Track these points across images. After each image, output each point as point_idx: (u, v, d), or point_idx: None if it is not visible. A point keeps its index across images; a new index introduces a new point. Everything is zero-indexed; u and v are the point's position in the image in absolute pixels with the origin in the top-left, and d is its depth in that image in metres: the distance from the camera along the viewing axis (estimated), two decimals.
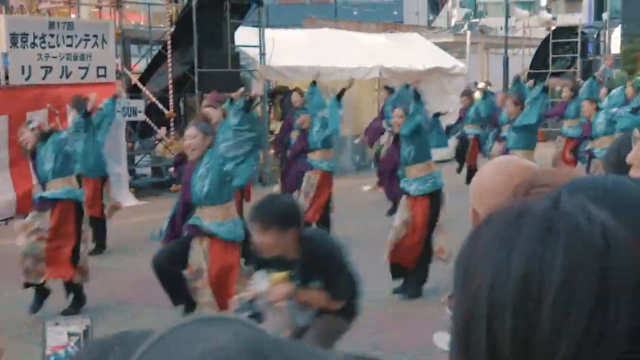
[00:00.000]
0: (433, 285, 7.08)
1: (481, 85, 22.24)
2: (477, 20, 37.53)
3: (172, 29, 14.06)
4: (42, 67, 11.74)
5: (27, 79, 11.56)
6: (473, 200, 2.22)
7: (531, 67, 22.43)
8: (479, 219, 2.11)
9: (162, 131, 14.45)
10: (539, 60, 22.37)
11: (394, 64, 17.24)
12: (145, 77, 14.37)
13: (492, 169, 2.28)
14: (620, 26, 50.04)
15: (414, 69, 17.20)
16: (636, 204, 1.06)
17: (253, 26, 16.08)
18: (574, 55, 21.41)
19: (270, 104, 16.46)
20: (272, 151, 15.25)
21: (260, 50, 14.98)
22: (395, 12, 52.30)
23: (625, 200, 1.05)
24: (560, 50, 21.85)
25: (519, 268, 0.89)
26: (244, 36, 15.30)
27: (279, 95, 15.94)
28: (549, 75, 21.30)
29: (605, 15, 38.07)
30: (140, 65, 16.12)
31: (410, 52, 18.53)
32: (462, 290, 0.94)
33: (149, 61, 15.62)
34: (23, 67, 11.51)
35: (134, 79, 13.69)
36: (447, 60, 19.54)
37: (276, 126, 17.33)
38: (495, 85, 23.90)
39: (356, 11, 45.92)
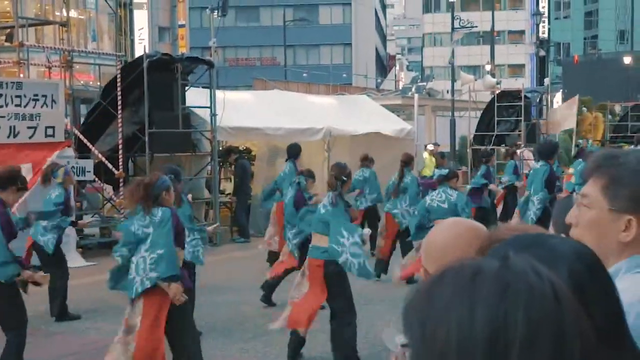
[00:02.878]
0: None
1: (430, 147, 22.66)
2: (424, 83, 38.34)
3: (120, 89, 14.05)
4: None
5: None
6: (424, 259, 2.30)
7: (477, 129, 22.93)
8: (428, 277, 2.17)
9: (110, 191, 14.34)
10: (485, 123, 22.89)
11: (343, 126, 17.48)
12: (91, 136, 14.26)
13: (441, 228, 2.36)
14: (561, 91, 51.56)
15: (361, 132, 17.46)
16: (565, 256, 1.22)
17: (203, 87, 16.19)
18: (517, 118, 21.95)
19: (221, 164, 16.49)
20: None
21: (211, 111, 15.06)
22: (345, 75, 53.11)
23: (557, 254, 1.21)
24: (504, 114, 22.41)
25: (485, 324, 0.96)
26: (195, 97, 15.39)
27: (232, 154, 15.98)
28: (494, 137, 21.79)
29: (547, 81, 39.24)
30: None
31: (359, 114, 18.83)
32: (424, 346, 1.00)
33: (87, 119, 15.42)
34: None
35: (83, 139, 13.61)
36: (395, 122, 19.88)
37: (226, 186, 17.35)
38: (443, 146, 24.38)
39: (306, 73, 46.51)
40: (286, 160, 12.37)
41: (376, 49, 73.09)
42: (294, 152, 12.29)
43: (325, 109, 18.38)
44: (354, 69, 59.78)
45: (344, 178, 6.88)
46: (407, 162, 11.47)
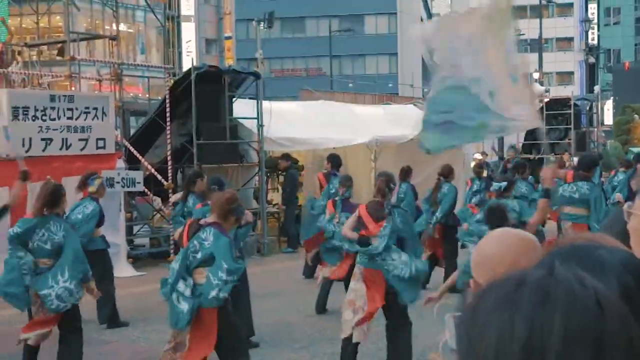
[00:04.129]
0: None
1: (477, 156, 22.47)
2: None
3: (168, 101, 14.24)
4: (42, 140, 11.87)
5: (27, 151, 11.66)
6: (474, 271, 2.29)
7: (526, 138, 22.69)
8: (479, 288, 2.17)
9: (159, 202, 14.53)
10: (534, 132, 22.64)
11: (390, 135, 17.44)
12: (141, 148, 14.48)
13: (490, 239, 2.36)
14: (612, 98, 50.66)
15: (410, 140, 17.39)
16: (613, 267, 1.19)
17: (250, 98, 16.33)
18: (567, 126, 21.68)
19: (268, 174, 16.57)
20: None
21: (258, 121, 15.18)
22: (390, 84, 53.03)
23: (604, 265, 1.19)
24: (554, 122, 22.15)
25: (522, 332, 0.96)
26: (242, 108, 15.52)
27: (284, 161, 15.95)
28: (543, 146, 21.53)
29: (596, 88, 38.69)
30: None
31: (405, 123, 18.76)
32: (468, 355, 1.01)
33: (140, 131, 15.70)
34: (24, 139, 11.64)
35: (133, 150, 13.82)
36: None
37: (273, 197, 17.45)
38: (490, 155, 24.15)
39: (352, 83, 46.54)
40: (326, 170, 12.40)
41: (422, 58, 72.85)
42: (335, 162, 12.29)
43: (371, 118, 18.36)
44: (400, 79, 59.62)
45: (392, 185, 6.91)
46: (445, 174, 11.41)
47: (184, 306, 5.59)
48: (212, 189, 7.25)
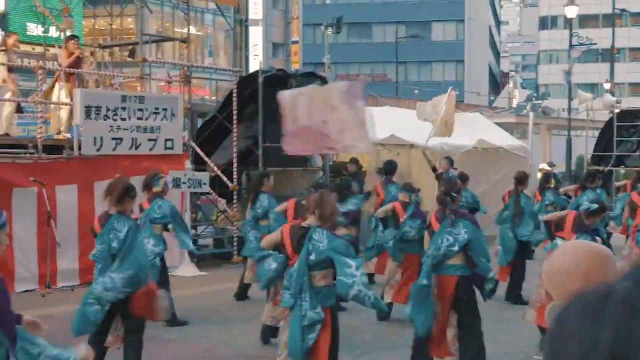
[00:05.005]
0: None
1: (544, 166, 22.12)
2: (540, 101, 37.50)
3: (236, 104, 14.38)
4: (113, 139, 12.13)
5: (98, 150, 11.93)
6: (545, 282, 2.26)
7: (595, 149, 22.23)
8: (551, 301, 2.14)
9: (224, 203, 14.68)
10: (603, 143, 22.16)
11: (455, 143, 17.28)
12: (207, 150, 14.67)
13: (562, 251, 2.32)
14: None
15: (476, 148, 17.24)
16: None
17: None
18: (639, 138, 21.15)
19: (333, 178, 16.56)
20: None
21: None
22: (457, 92, 52.58)
23: None
24: (624, 134, 21.63)
25: (607, 344, 0.95)
26: None
27: (353, 165, 15.92)
28: (613, 157, 21.06)
29: None
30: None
31: (470, 131, 18.58)
32: None
33: (200, 128, 15.89)
34: (95, 138, 11.91)
35: (200, 152, 14.00)
36: (508, 140, 19.52)
37: None
38: (559, 166, 23.76)
39: (417, 90, 46.34)
40: (383, 177, 12.34)
41: (489, 66, 72.06)
42: (389, 168, 12.20)
43: None
44: (466, 86, 59.14)
45: (454, 194, 6.80)
46: (521, 180, 11.04)
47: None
48: (309, 191, 7.32)
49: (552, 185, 13.79)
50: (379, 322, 9.24)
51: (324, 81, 15.88)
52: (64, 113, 12.81)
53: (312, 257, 5.48)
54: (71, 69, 12.91)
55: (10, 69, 12.57)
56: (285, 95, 10.03)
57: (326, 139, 9.20)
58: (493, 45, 76.98)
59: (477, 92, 53.64)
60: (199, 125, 16.38)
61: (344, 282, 5.41)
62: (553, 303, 2.14)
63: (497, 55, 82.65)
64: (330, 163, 16.01)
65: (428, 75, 60.44)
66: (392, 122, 17.08)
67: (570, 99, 30.63)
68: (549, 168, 21.63)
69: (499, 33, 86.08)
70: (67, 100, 12.63)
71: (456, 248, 6.56)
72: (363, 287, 5.41)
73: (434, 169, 13.42)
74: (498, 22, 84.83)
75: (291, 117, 8.62)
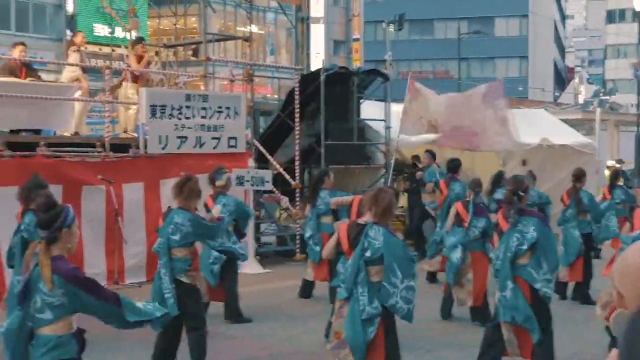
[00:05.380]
0: None
1: (612, 163, 21.63)
2: (607, 97, 36.69)
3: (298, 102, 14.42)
4: (177, 137, 12.29)
5: (163, 148, 12.11)
6: (616, 280, 2.22)
7: None
8: (622, 300, 2.09)
9: (286, 201, 14.75)
10: None
11: (520, 139, 17.02)
12: (270, 148, 14.77)
13: (635, 250, 2.27)
14: None
15: (542, 145, 16.95)
16: None
17: (378, 100, 16.33)
18: None
19: (395, 177, 16.50)
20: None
21: (385, 123, 15.16)
22: (520, 88, 51.84)
23: None
24: None
25: None
26: (369, 109, 15.55)
27: (417, 163, 15.85)
28: None
29: None
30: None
31: (535, 128, 18.28)
32: None
33: (266, 129, 16.02)
34: (160, 137, 12.09)
35: (263, 150, 14.10)
36: (574, 137, 19.14)
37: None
38: (627, 163, 23.20)
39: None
40: (446, 174, 12.22)
41: (554, 62, 70.81)
42: (452, 166, 12.07)
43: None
44: (530, 82, 58.23)
45: (521, 193, 6.68)
46: (578, 177, 10.78)
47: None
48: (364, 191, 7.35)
49: (621, 183, 13.44)
50: (443, 321, 9.18)
51: (385, 78, 15.84)
52: (130, 112, 13.04)
53: (368, 253, 5.47)
54: (138, 69, 13.12)
55: (83, 69, 12.84)
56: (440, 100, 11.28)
57: (475, 137, 10.02)
58: (558, 40, 75.60)
59: (541, 88, 52.78)
60: (261, 124, 16.51)
61: (386, 289, 5.43)
62: (620, 310, 2.09)
63: (562, 50, 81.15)
64: (392, 161, 15.93)
65: (491, 72, 59.66)
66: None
67: (639, 94, 29.89)
68: (618, 165, 21.16)
69: (564, 27, 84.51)
70: (134, 100, 12.85)
71: (525, 247, 6.45)
72: (402, 300, 5.43)
73: (414, 165, 13.20)
74: (563, 17, 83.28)
75: (445, 119, 9.12)
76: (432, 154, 13.86)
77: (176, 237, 6.64)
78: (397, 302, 5.41)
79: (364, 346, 5.46)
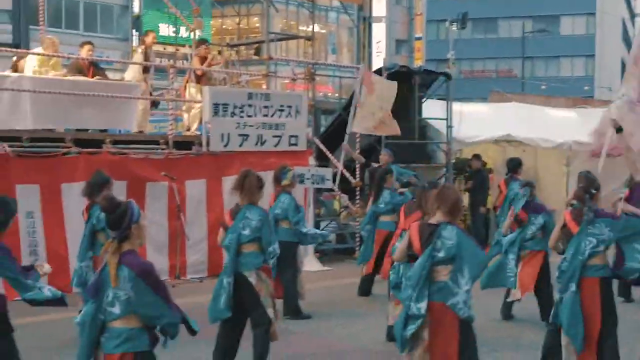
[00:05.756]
0: None
1: None
2: None
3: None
4: (239, 135, 12.43)
5: (225, 146, 12.26)
6: None
7: None
8: None
9: (346, 199, 14.76)
10: None
11: (585, 140, 16.71)
12: (330, 146, 14.80)
13: None
14: None
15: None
16: None
17: (439, 99, 16.24)
18: None
19: (456, 176, 16.39)
20: None
21: (447, 122, 15.06)
22: (586, 87, 50.84)
23: None
24: None
25: None
26: (431, 108, 15.47)
27: (476, 161, 15.66)
28: None
29: None
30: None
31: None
32: None
33: (327, 127, 16.07)
34: (222, 135, 12.24)
35: (323, 148, 14.14)
36: None
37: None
38: None
39: (544, 85, 45.08)
40: (506, 174, 12.03)
41: (622, 61, 69.20)
42: (512, 165, 11.88)
43: (564, 122, 17.67)
44: (597, 82, 57.04)
45: (593, 191, 6.52)
46: None
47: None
48: (422, 188, 7.27)
49: None
50: (503, 321, 9.09)
51: (447, 77, 15.73)
52: (194, 111, 13.24)
53: (441, 254, 5.35)
54: (201, 69, 13.31)
55: (146, 69, 13.07)
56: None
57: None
58: (626, 38, 73.86)
59: (608, 87, 51.58)
60: (322, 122, 16.58)
61: (449, 288, 5.35)
62: None
63: (630, 49, 79.18)
64: (454, 160, 15.83)
65: (556, 71, 58.69)
66: (518, 119, 16.70)
67: None
68: None
69: (633, 26, 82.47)
70: (198, 98, 13.03)
71: (601, 249, 6.31)
72: (462, 303, 5.32)
73: (367, 164, 12.35)
74: (632, 15, 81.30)
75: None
76: (391, 151, 12.78)
77: (246, 232, 6.72)
78: (458, 302, 5.31)
79: (401, 341, 5.42)
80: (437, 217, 5.47)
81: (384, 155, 12.35)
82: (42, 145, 10.70)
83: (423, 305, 5.33)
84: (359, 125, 12.93)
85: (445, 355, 5.32)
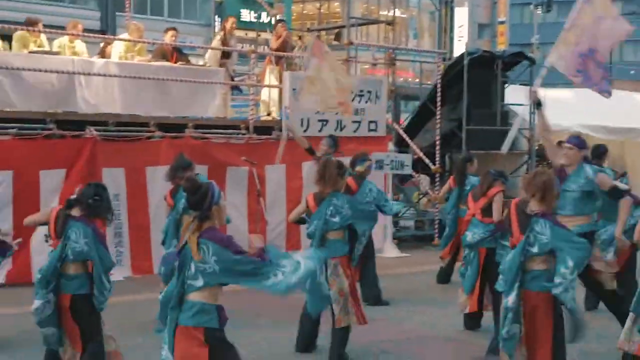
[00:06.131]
0: None
1: None
2: None
3: (440, 86, 14.24)
4: (319, 121, 12.45)
5: (305, 131, 12.29)
6: None
7: None
8: None
9: (425, 185, 14.66)
10: None
11: None
12: (411, 132, 14.70)
13: None
14: None
15: None
16: None
17: (522, 84, 15.89)
18: None
19: (538, 163, 16.04)
20: None
21: (530, 108, 14.72)
22: None
23: None
24: None
25: None
26: (514, 94, 15.15)
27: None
28: None
29: None
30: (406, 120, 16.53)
31: None
32: None
33: (413, 116, 15.96)
34: (302, 120, 12.27)
35: (403, 134, 14.04)
36: None
37: None
38: None
39: (633, 70, 43.65)
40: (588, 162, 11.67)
41: None
42: (597, 153, 11.51)
43: None
44: None
45: None
46: None
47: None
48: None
49: None
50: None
51: (531, 62, 15.38)
52: (273, 95, 13.32)
53: (535, 249, 5.25)
54: (280, 53, 13.36)
55: (226, 54, 13.20)
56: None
57: None
58: None
59: None
60: (403, 108, 16.46)
61: (551, 276, 5.23)
62: None
63: None
64: (536, 147, 15.50)
65: None
66: (604, 106, 16.18)
67: None
68: None
69: None
70: (277, 83, 13.10)
71: None
72: (566, 291, 5.17)
73: (310, 151, 10.68)
74: None
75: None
76: (332, 140, 10.69)
77: (336, 220, 6.69)
78: (562, 292, 5.18)
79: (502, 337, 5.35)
80: (531, 206, 5.33)
81: (323, 145, 10.58)
82: (127, 130, 10.94)
83: (514, 297, 5.26)
84: (309, 102, 11.05)
85: (539, 339, 5.28)
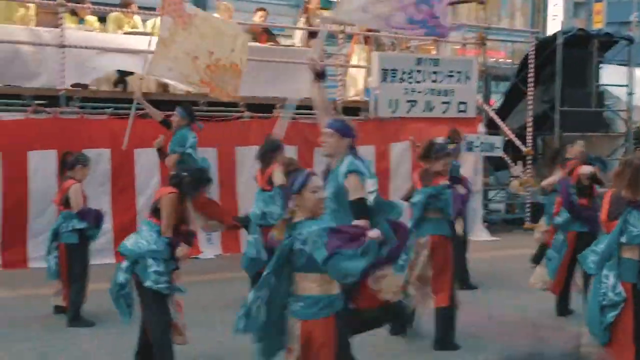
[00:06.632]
0: None
1: None
2: None
3: (533, 67, 13.88)
4: (407, 101, 12.33)
5: (393, 112, 12.21)
6: None
7: None
8: None
9: (517, 168, 14.35)
10: None
11: None
12: (501, 113, 14.40)
13: None
14: None
15: None
16: None
17: (620, 64, 15.37)
18: None
19: (636, 146, 15.51)
20: None
21: (628, 89, 14.25)
22: None
23: None
24: None
25: None
26: (610, 74, 14.68)
27: None
28: None
29: None
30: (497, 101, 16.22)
31: None
32: None
33: (503, 97, 15.67)
34: (390, 101, 12.19)
35: (493, 115, 13.77)
36: None
37: None
38: None
39: None
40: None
41: None
42: None
43: None
44: None
45: None
46: None
47: None
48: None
49: None
50: None
51: (629, 41, 14.85)
52: (360, 76, 13.25)
53: (624, 239, 5.09)
54: (368, 32, 13.27)
55: (312, 34, 13.20)
56: None
57: None
58: None
59: None
60: (494, 89, 16.15)
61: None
62: None
63: None
64: (634, 129, 14.99)
65: None
66: None
67: None
68: None
69: None
70: (364, 64, 13.02)
71: None
72: None
73: (165, 123, 9.32)
74: None
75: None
76: (186, 112, 9.27)
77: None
78: None
79: (601, 329, 5.19)
80: (625, 194, 5.17)
81: (175, 117, 9.23)
82: (217, 110, 11.08)
83: (620, 289, 5.11)
84: (162, 70, 9.13)
85: (624, 327, 5.16)
